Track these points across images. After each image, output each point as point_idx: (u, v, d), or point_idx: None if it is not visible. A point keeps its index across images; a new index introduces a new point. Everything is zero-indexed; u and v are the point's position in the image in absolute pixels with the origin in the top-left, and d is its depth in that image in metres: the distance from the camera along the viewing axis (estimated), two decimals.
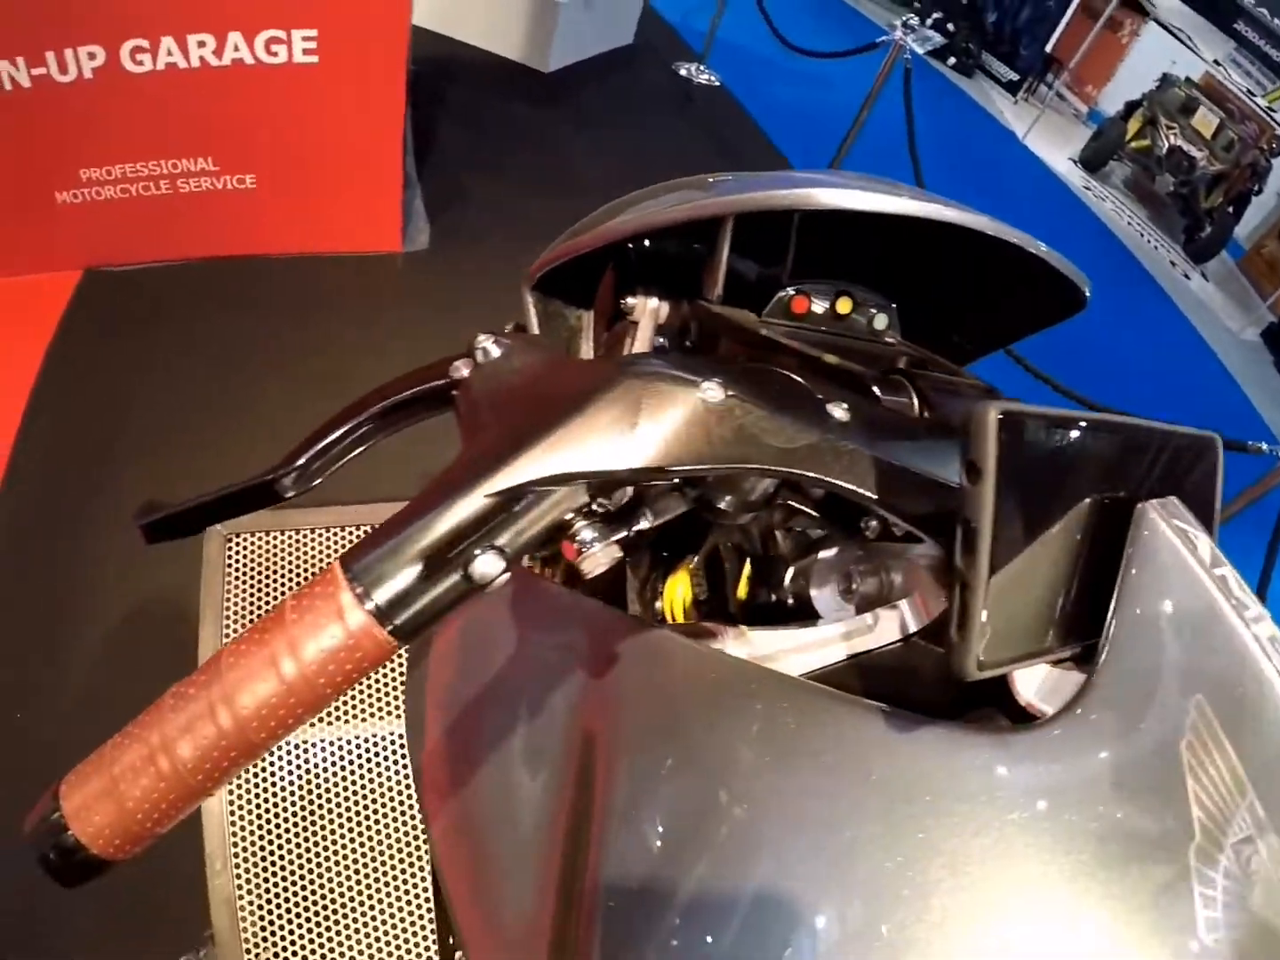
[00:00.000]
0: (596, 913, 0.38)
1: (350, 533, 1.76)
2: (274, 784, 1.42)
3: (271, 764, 1.44)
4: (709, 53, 3.81)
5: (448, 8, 3.18)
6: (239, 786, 1.40)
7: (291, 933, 1.31)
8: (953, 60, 5.51)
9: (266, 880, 1.34)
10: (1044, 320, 0.56)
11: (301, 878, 1.35)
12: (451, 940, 0.84)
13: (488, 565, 0.31)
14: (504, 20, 3.24)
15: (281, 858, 1.36)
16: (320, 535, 1.75)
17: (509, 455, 0.32)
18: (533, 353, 0.41)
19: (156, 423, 1.88)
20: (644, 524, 0.39)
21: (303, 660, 0.30)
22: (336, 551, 1.72)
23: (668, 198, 0.54)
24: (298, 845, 1.38)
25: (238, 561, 1.68)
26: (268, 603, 1.64)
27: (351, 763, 1.47)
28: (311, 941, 1.30)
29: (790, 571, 0.49)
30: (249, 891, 1.32)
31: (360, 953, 1.31)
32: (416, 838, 1.42)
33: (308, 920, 1.32)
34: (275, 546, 1.72)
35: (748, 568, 0.53)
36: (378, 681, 1.57)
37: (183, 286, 2.21)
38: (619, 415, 0.33)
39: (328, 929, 1.32)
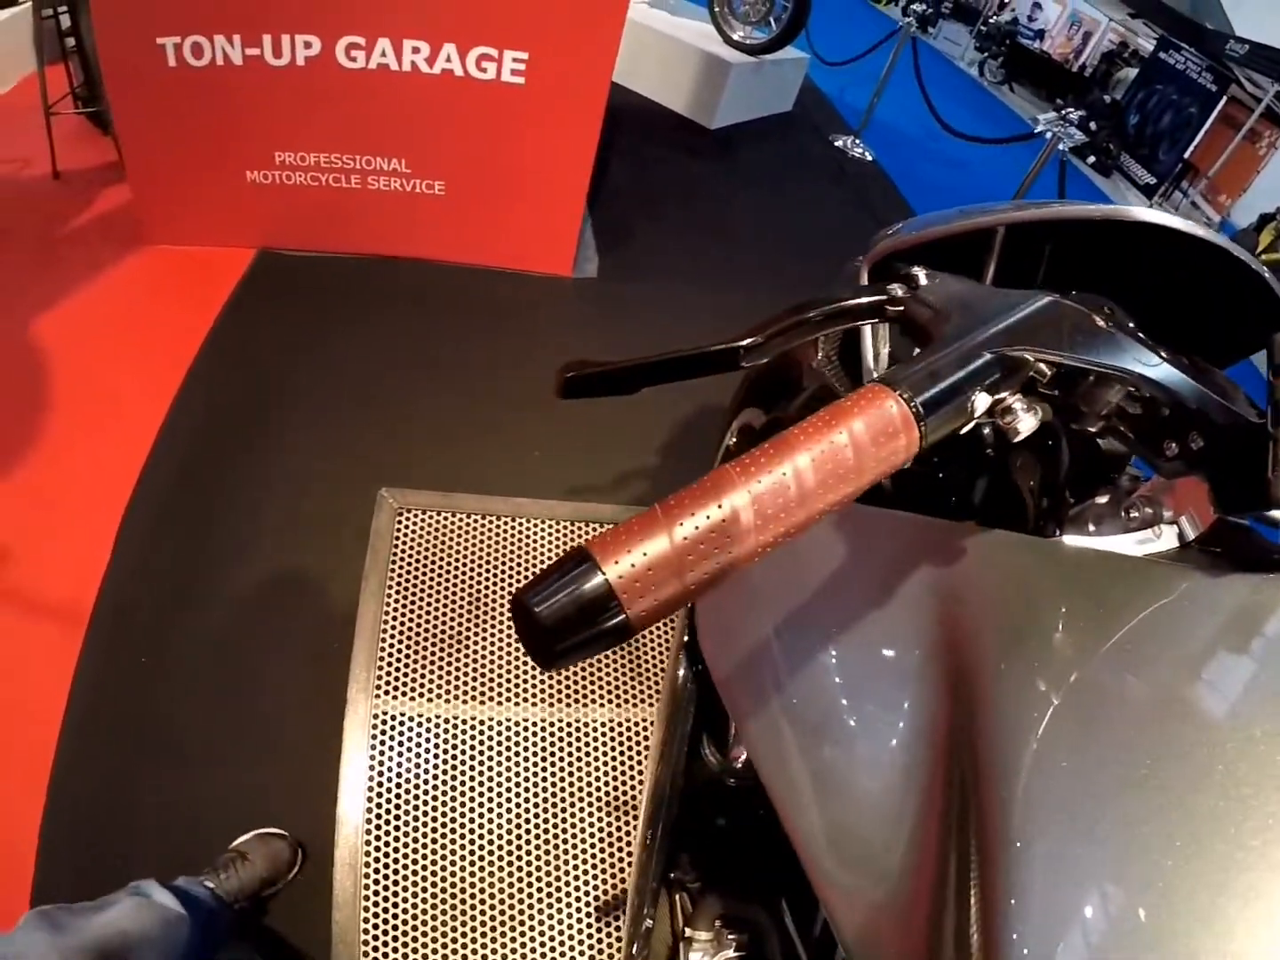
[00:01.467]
0: (1007, 821, 0.39)
1: (508, 522, 1.71)
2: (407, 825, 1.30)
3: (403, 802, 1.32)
4: (865, 128, 3.83)
5: (626, 61, 3.25)
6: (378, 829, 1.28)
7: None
8: (1092, 159, 5.45)
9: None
10: (1253, 345, 0.66)
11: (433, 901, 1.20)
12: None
13: (981, 403, 0.43)
14: (678, 77, 3.32)
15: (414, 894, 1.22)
16: (482, 521, 1.70)
17: (995, 327, 0.46)
18: (953, 281, 0.55)
19: (311, 403, 1.84)
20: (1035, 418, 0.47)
21: (859, 443, 0.38)
22: (495, 537, 1.68)
23: (984, 215, 0.68)
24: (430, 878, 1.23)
25: (406, 535, 1.63)
26: (432, 577, 1.58)
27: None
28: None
29: (1102, 496, 0.58)
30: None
31: None
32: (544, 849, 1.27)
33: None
34: (442, 525, 1.67)
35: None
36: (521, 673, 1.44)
37: (354, 279, 2.22)
38: (1060, 315, 0.49)
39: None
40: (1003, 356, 0.45)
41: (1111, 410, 0.54)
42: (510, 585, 1.62)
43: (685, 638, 1.00)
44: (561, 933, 1.28)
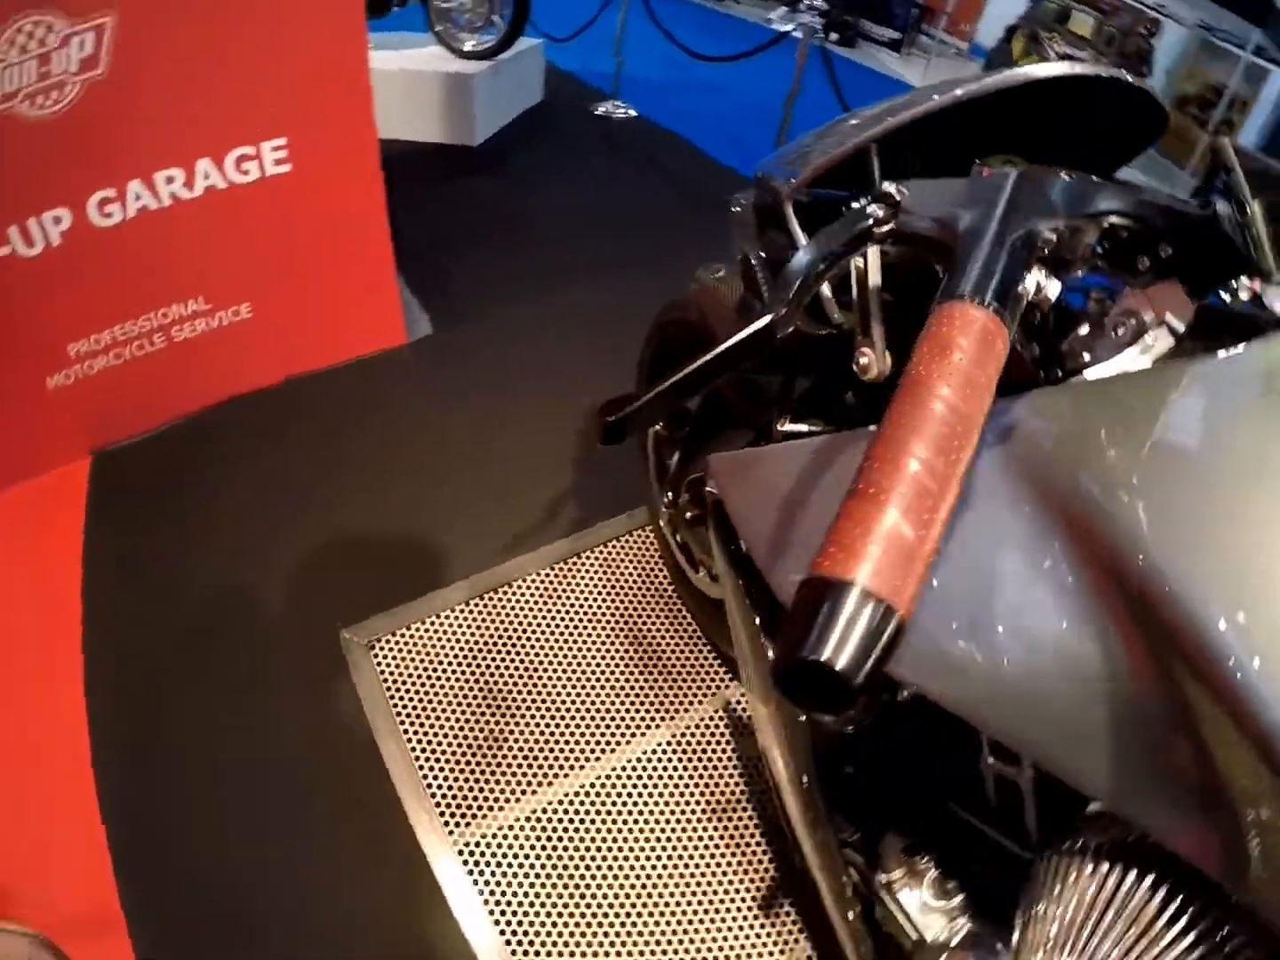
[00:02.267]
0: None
1: (490, 597, 1.64)
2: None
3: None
4: (619, 88, 3.85)
5: None
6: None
7: None
8: (835, 36, 5.69)
9: None
10: (1136, 149, 0.75)
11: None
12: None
13: (1030, 285, 0.48)
14: (425, 107, 3.22)
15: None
16: (462, 609, 1.62)
17: (998, 213, 0.49)
18: (923, 186, 0.59)
19: (224, 588, 1.68)
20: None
21: (974, 357, 0.41)
22: (485, 617, 1.60)
23: (878, 123, 0.74)
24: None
25: (390, 662, 1.52)
26: (440, 687, 1.49)
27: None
28: None
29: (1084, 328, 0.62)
30: None
31: None
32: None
33: None
34: (421, 633, 1.58)
35: None
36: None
37: (201, 442, 2.04)
38: (1038, 184, 0.56)
39: None
40: (1028, 234, 0.48)
41: (1089, 250, 0.59)
42: (523, 654, 1.55)
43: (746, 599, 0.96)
44: (752, 940, 1.26)
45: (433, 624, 1.58)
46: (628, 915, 1.27)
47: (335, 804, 1.37)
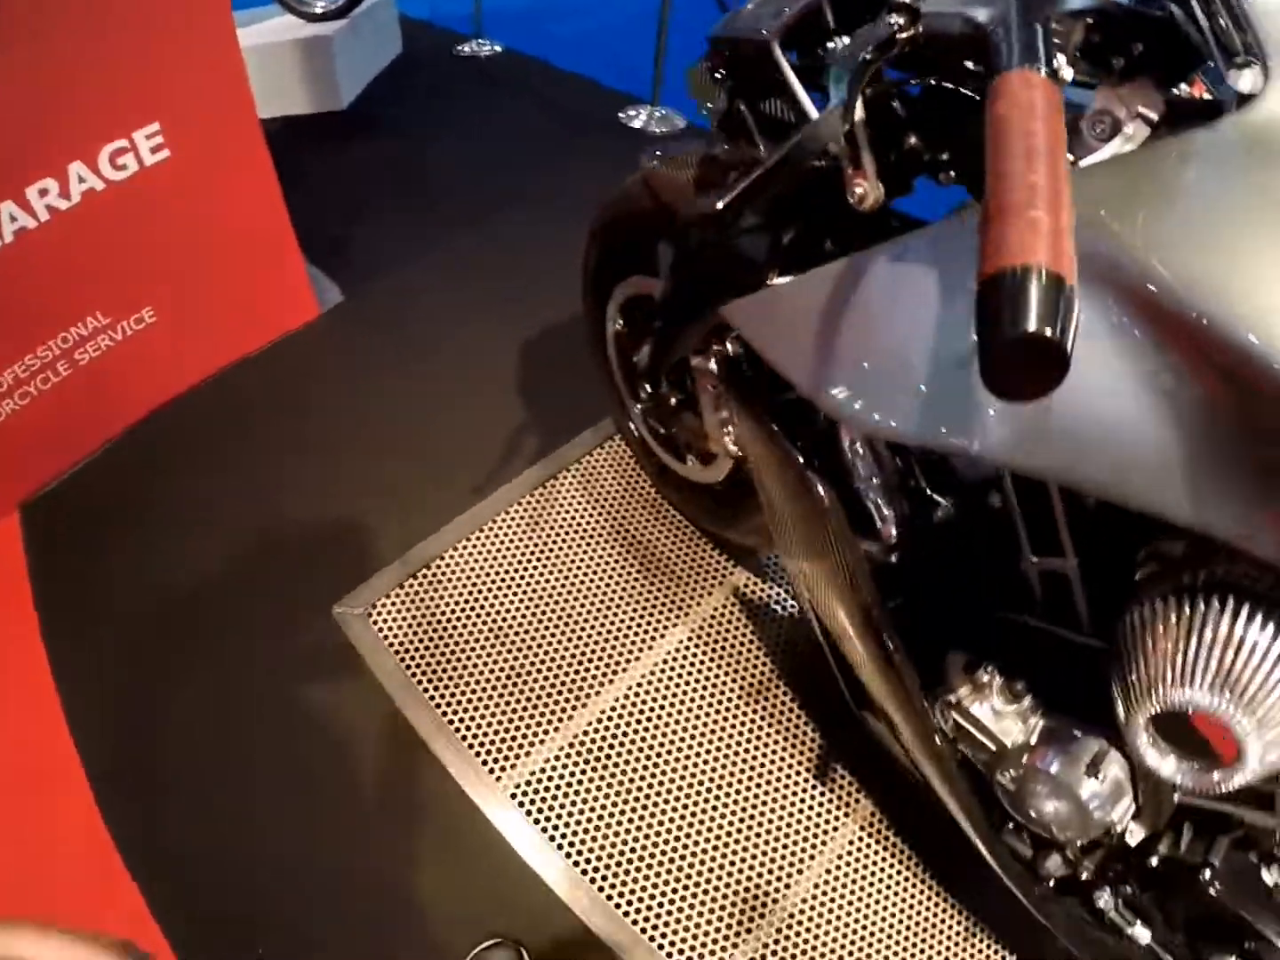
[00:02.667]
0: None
1: (478, 535, 1.61)
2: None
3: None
4: (480, 26, 3.67)
5: None
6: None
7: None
8: None
9: None
10: None
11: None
12: None
13: (1060, 66, 0.54)
14: (287, 80, 3.02)
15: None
16: (452, 554, 1.59)
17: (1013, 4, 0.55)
18: None
19: (183, 594, 1.62)
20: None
21: (1044, 117, 0.46)
22: (478, 555, 1.57)
23: None
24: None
25: (392, 624, 1.49)
26: (449, 637, 1.47)
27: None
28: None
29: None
30: None
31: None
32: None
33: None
34: (419, 588, 1.54)
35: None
36: None
37: (130, 459, 1.93)
38: None
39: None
40: (1046, 19, 0.52)
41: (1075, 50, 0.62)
42: (523, 585, 1.53)
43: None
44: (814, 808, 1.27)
45: (425, 577, 1.54)
46: (688, 811, 1.29)
47: (377, 780, 1.36)
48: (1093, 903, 1.00)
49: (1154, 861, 0.92)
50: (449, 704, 1.38)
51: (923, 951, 1.22)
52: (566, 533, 1.61)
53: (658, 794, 1.31)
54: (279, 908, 1.24)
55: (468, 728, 1.36)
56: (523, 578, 1.54)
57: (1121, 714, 0.72)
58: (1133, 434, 0.57)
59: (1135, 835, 0.93)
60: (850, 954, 1.21)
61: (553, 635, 1.47)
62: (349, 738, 1.40)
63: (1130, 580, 0.75)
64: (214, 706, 1.44)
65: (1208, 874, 0.86)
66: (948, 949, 1.23)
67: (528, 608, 1.50)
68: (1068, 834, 0.94)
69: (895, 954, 1.21)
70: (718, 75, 0.91)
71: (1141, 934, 0.97)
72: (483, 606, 1.50)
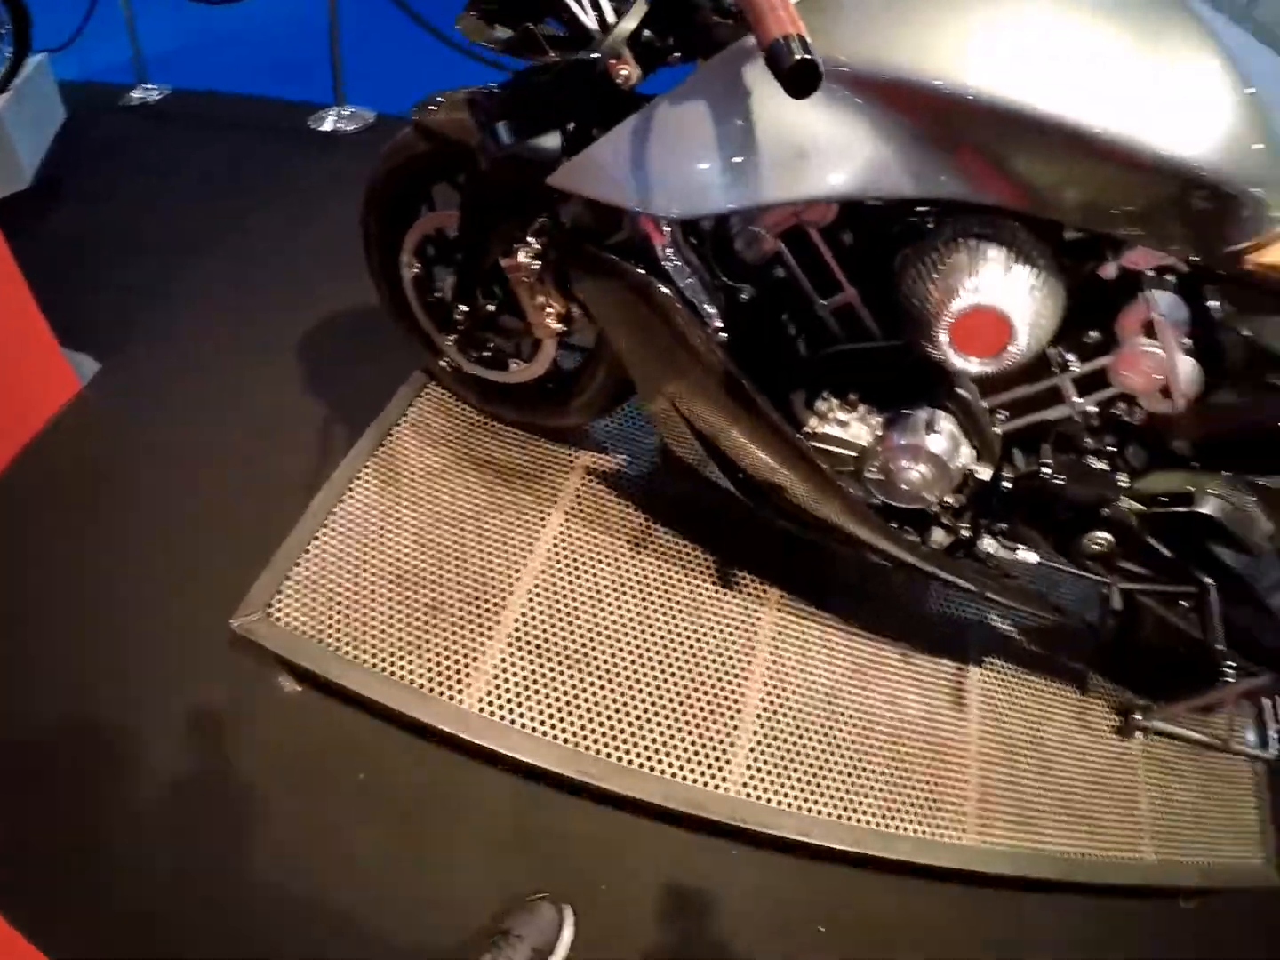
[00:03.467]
0: None
1: (330, 519, 1.65)
2: None
3: None
4: (145, 72, 3.48)
5: None
6: None
7: None
8: None
9: None
10: None
11: None
12: None
13: None
14: None
15: None
16: (319, 540, 1.62)
17: None
18: None
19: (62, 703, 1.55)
20: None
21: None
22: (342, 534, 1.61)
23: None
24: None
25: (296, 614, 1.48)
26: (355, 608, 1.53)
27: None
28: None
29: None
30: None
31: None
32: None
33: None
34: (303, 577, 1.59)
35: None
36: None
37: None
38: None
39: None
40: None
41: None
42: (406, 530, 1.62)
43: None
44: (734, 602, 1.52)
45: (307, 562, 1.54)
46: (633, 650, 1.46)
47: (351, 762, 1.44)
48: (980, 552, 1.28)
49: (1007, 488, 1.21)
50: (383, 659, 1.43)
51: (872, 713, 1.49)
52: (421, 476, 1.69)
53: (606, 649, 1.47)
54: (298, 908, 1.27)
55: (411, 671, 1.42)
56: (399, 527, 1.60)
57: (930, 344, 1.05)
58: (863, 146, 0.91)
59: (983, 472, 1.21)
60: (817, 724, 1.44)
61: (449, 563, 1.56)
62: (305, 735, 1.46)
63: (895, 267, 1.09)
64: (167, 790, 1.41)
65: (1046, 472, 1.15)
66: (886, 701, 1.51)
67: (416, 550, 1.58)
68: (936, 493, 1.20)
69: (845, 723, 1.46)
70: (491, 10, 1.13)
71: (1028, 557, 1.27)
72: (374, 565, 1.54)
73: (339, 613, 1.48)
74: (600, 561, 1.58)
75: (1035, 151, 0.87)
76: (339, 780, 1.43)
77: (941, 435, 1.16)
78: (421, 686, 1.40)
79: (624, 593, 1.54)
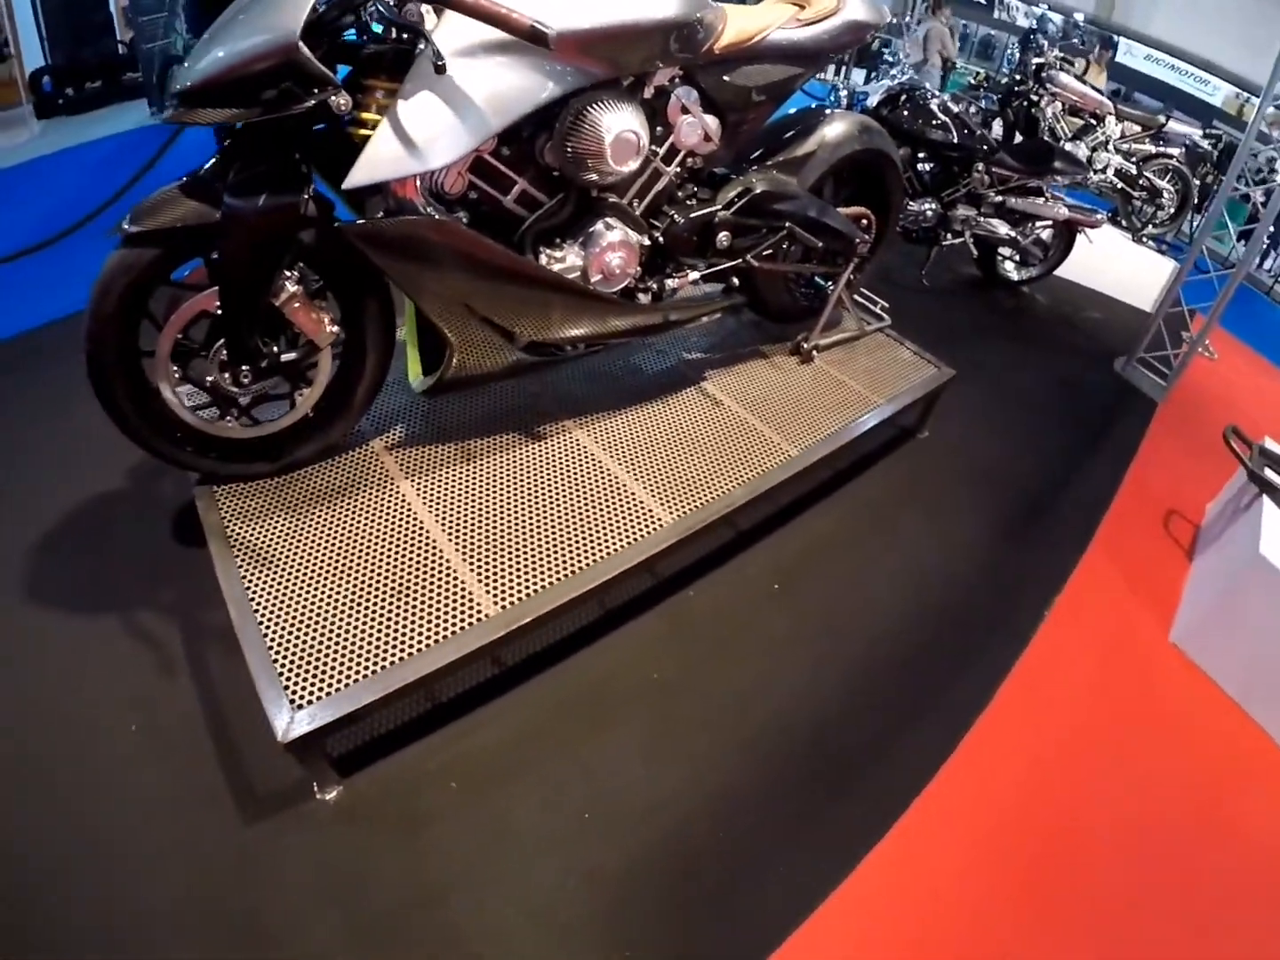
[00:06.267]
0: None
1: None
2: None
3: None
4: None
5: None
6: None
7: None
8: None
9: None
10: None
11: None
12: None
13: None
14: None
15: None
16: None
17: None
18: None
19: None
20: None
21: None
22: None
23: None
24: None
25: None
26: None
27: None
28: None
29: None
30: None
31: None
32: None
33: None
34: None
35: None
36: None
37: None
38: None
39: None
40: None
41: None
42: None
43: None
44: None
45: (277, 651, 1.51)
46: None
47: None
48: (669, 291, 2.07)
49: (661, 242, 2.01)
50: (405, 648, 1.50)
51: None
52: (284, 539, 1.74)
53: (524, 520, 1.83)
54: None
55: (432, 632, 1.53)
56: (315, 575, 1.65)
57: (583, 182, 1.80)
58: (525, 79, 1.51)
59: (646, 241, 1.96)
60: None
61: (376, 562, 1.69)
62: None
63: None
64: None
65: (675, 219, 1.97)
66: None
67: (343, 578, 1.64)
68: (632, 270, 1.94)
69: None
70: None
71: (694, 275, 2.10)
72: (326, 611, 1.58)
73: (339, 656, 1.49)
74: (451, 475, 1.94)
75: (607, 44, 1.58)
76: None
77: (617, 229, 1.85)
78: (452, 633, 1.53)
79: (485, 483, 1.94)
